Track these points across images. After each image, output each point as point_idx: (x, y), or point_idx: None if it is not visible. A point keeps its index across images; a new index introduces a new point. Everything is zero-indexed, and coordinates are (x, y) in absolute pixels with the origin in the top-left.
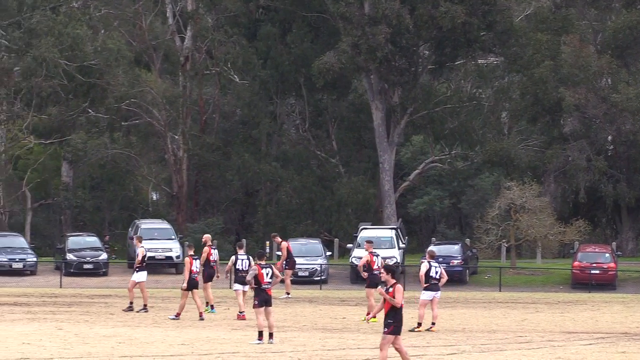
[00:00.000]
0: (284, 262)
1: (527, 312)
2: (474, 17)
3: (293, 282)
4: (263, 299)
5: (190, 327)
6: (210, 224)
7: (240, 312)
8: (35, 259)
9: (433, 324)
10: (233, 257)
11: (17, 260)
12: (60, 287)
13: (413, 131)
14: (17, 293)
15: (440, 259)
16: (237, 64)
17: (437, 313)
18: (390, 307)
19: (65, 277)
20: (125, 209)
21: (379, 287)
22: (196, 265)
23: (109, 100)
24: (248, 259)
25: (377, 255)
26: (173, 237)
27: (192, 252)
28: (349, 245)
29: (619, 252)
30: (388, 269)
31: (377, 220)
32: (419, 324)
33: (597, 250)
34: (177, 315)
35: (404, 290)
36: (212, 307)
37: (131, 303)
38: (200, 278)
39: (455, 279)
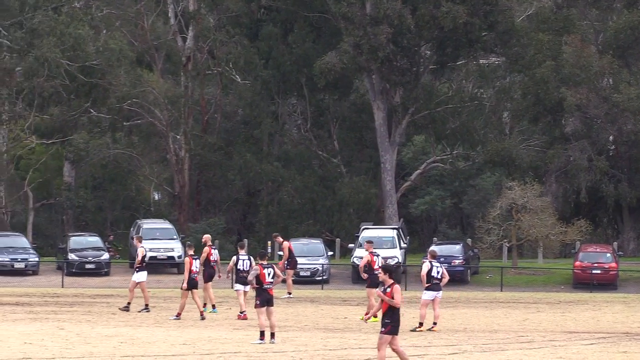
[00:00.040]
0: (286, 262)
1: (529, 312)
2: (476, 17)
3: (295, 282)
4: (265, 299)
5: (192, 327)
6: (212, 224)
7: (241, 312)
8: (37, 259)
9: (435, 323)
10: (234, 257)
11: (19, 260)
12: (62, 287)
13: (414, 131)
14: (19, 293)
15: (442, 259)
16: (238, 64)
17: (439, 313)
18: (388, 307)
19: (67, 277)
20: (127, 208)
21: (378, 289)
22: (196, 265)
23: (110, 100)
24: (249, 259)
25: (378, 255)
26: (175, 237)
27: (192, 252)
28: (351, 245)
29: (620, 252)
30: (386, 268)
31: (379, 220)
32: (421, 324)
33: (598, 250)
34: (178, 315)
35: (406, 290)
36: (213, 306)
37: (128, 303)
38: (200, 278)
39: (457, 278)
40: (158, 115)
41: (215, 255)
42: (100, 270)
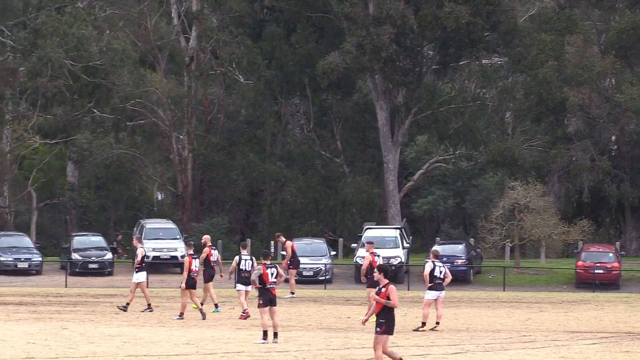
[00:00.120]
0: (288, 262)
1: (531, 311)
2: (478, 17)
3: (297, 282)
4: (268, 299)
5: (195, 327)
6: (215, 224)
7: (243, 312)
8: (40, 259)
9: (437, 323)
10: (237, 257)
11: (23, 259)
12: (66, 287)
13: (417, 131)
14: (23, 292)
15: (445, 259)
16: (241, 64)
17: (441, 312)
18: (383, 307)
19: (71, 277)
20: (131, 208)
21: (373, 292)
22: (195, 264)
23: (114, 100)
24: (251, 259)
25: (378, 256)
26: (178, 236)
27: (192, 252)
28: (354, 245)
29: (622, 252)
30: (381, 268)
31: (382, 220)
32: (423, 324)
33: (601, 249)
34: (181, 315)
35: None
36: (216, 305)
37: (127, 304)
38: (199, 278)
39: (460, 278)
40: (161, 115)
41: (215, 255)
42: (104, 270)
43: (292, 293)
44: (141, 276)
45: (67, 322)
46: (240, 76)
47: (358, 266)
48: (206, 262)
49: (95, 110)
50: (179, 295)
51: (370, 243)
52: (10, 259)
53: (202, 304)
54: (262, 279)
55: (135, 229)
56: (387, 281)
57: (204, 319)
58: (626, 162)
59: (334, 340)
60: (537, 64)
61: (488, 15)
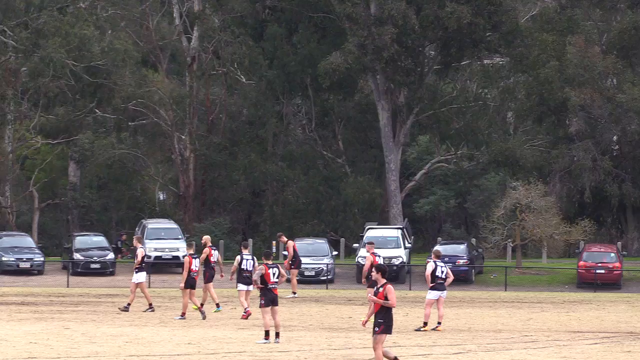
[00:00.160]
0: (290, 262)
1: (533, 311)
2: (480, 17)
3: (299, 282)
4: (269, 299)
5: (197, 327)
6: (216, 224)
7: (245, 311)
8: (42, 259)
9: (439, 323)
10: (238, 257)
11: (25, 259)
12: (68, 287)
13: (419, 131)
14: (25, 292)
15: (446, 259)
16: (243, 64)
17: (443, 312)
18: (381, 306)
19: (73, 277)
20: (132, 208)
21: (368, 294)
22: (195, 264)
23: (116, 100)
24: (252, 258)
25: (379, 256)
26: (180, 236)
27: (192, 251)
28: (355, 245)
29: (624, 252)
30: (379, 268)
31: (383, 220)
32: (425, 324)
33: (602, 249)
34: (183, 314)
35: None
36: (217, 305)
37: (128, 304)
38: (199, 278)
39: (461, 278)
40: (163, 116)
41: (215, 256)
42: (106, 269)
43: (294, 293)
44: (141, 276)
45: (69, 322)
46: (242, 76)
47: (360, 266)
48: (206, 263)
49: (97, 111)
50: (181, 295)
51: (370, 243)
52: (12, 259)
53: (202, 305)
54: (264, 278)
55: (137, 229)
56: (384, 281)
57: (204, 318)
58: (628, 162)
59: (335, 340)
60: (538, 64)
61: (490, 15)
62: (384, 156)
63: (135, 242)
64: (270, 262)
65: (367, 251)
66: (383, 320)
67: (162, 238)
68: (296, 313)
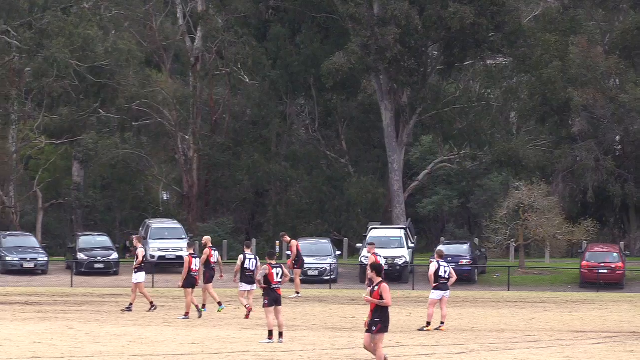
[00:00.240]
0: (293, 262)
1: (536, 311)
2: (483, 18)
3: (303, 282)
4: (273, 299)
5: (200, 326)
6: (220, 224)
7: (246, 308)
8: (46, 259)
9: (442, 323)
10: (241, 256)
11: (29, 259)
12: (71, 287)
13: (422, 131)
14: (29, 292)
15: (449, 259)
16: (247, 64)
17: (446, 312)
18: (377, 306)
19: (76, 277)
20: (136, 208)
21: (364, 295)
22: (195, 263)
23: (119, 100)
24: (255, 258)
25: (380, 256)
26: (183, 236)
27: (192, 251)
28: (359, 245)
29: (627, 252)
30: (374, 267)
31: (387, 220)
32: (428, 323)
33: (605, 249)
34: (186, 314)
35: (414, 289)
36: (219, 304)
37: (130, 304)
38: (200, 278)
39: (464, 278)
40: (167, 116)
41: (215, 256)
42: (109, 269)
43: (298, 293)
44: (140, 276)
45: (72, 322)
46: (246, 76)
47: (363, 266)
48: (206, 263)
49: (101, 111)
50: (184, 295)
51: (371, 244)
52: (17, 259)
53: (204, 305)
54: (267, 278)
55: (141, 229)
56: (380, 279)
57: (200, 317)
58: (630, 162)
59: (339, 340)
60: (541, 65)
61: (493, 15)
62: (387, 156)
63: (135, 241)
64: (274, 262)
65: (368, 252)
66: (380, 320)
67: (165, 238)
68: (299, 313)
